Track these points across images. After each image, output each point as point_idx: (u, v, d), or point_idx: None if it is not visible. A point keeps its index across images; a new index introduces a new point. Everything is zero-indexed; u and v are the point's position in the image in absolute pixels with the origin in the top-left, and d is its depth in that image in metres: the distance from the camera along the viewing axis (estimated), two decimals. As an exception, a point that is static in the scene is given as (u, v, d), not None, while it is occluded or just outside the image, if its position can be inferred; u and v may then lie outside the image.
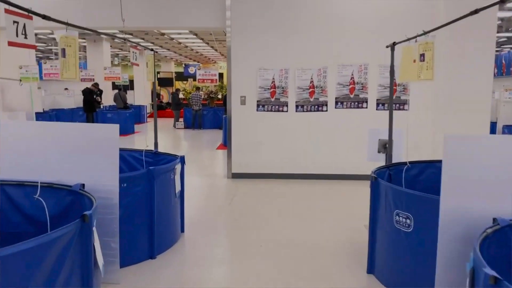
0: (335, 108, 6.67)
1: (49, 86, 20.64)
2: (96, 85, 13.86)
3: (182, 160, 4.19)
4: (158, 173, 3.57)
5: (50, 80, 21.22)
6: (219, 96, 18.09)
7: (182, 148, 11.56)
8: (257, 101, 6.71)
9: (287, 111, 6.70)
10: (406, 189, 2.95)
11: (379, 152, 4.32)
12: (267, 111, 6.71)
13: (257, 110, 6.72)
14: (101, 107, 14.61)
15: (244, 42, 6.66)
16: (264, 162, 6.80)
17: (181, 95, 19.52)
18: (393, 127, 4.23)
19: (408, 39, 3.48)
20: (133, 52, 4.58)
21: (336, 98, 6.66)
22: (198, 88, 15.51)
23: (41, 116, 11.74)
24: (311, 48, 6.61)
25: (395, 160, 4.07)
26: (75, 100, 16.47)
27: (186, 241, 4.12)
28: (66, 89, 16.88)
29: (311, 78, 6.64)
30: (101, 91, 15.70)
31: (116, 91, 16.59)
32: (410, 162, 3.87)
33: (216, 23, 7.19)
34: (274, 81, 6.65)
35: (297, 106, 6.69)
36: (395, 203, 2.99)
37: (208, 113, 15.69)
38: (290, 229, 4.44)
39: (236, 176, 6.81)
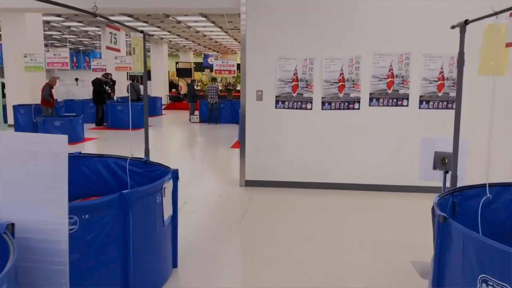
0: (370, 105, 5.59)
1: (64, 75, 20.09)
2: (106, 75, 13.07)
3: (175, 175, 3.22)
4: (135, 198, 2.61)
5: (65, 70, 20.68)
6: (238, 88, 17.09)
7: (194, 145, 10.65)
8: (276, 96, 5.68)
9: (311, 109, 5.65)
10: (506, 246, 1.88)
11: (435, 169, 3.25)
12: (288, 108, 5.68)
13: (276, 107, 5.70)
14: (114, 98, 13.82)
15: (261, 26, 5.63)
16: (283, 168, 5.79)
17: (197, 87, 18.63)
18: (448, 134, 3.15)
19: (495, 14, 2.38)
20: (110, 33, 3.61)
21: (370, 93, 5.57)
22: (214, 80, 14.55)
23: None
24: (342, 34, 5.52)
25: (459, 182, 3.00)
26: (89, 91, 15.80)
27: (178, 280, 3.17)
28: (76, 79, 16.21)
29: (341, 70, 5.56)
30: (113, 82, 14.95)
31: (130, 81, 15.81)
32: (476, 186, 2.81)
33: (229, 3, 6.17)
34: (296, 73, 5.60)
35: (323, 103, 5.63)
36: (482, 264, 1.94)
37: (225, 107, 14.73)
38: (317, 265, 3.43)
39: (251, 184, 5.83)
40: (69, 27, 19.07)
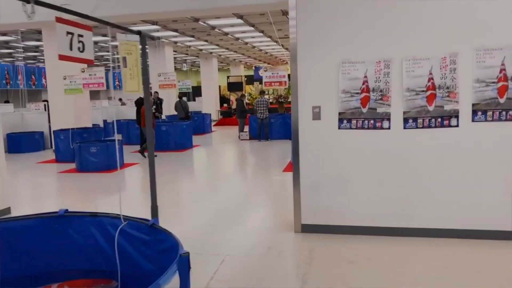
0: (473, 121, 4.01)
1: (116, 95, 19.90)
2: (150, 94, 12.31)
3: (185, 262, 1.94)
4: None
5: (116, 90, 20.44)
6: (289, 100, 15.78)
7: (240, 168, 9.40)
8: (340, 113, 4.27)
9: (388, 128, 4.17)
10: None
11: None
12: (356, 128, 4.25)
13: (339, 128, 4.29)
14: (161, 118, 13.02)
15: (316, 23, 4.27)
16: (352, 209, 4.34)
17: (247, 101, 17.55)
18: None
19: None
20: (69, 33, 2.41)
21: (474, 104, 4.00)
22: (263, 93, 13.34)
23: (84, 130, 10.36)
24: (429, 24, 4.02)
25: None
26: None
27: None
28: (120, 99, 15.75)
29: (430, 73, 4.05)
30: (160, 101, 14.24)
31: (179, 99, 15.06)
32: None
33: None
34: (366, 81, 4.17)
35: (406, 120, 4.13)
36: None
37: (277, 121, 13.45)
38: None
39: (309, 229, 4.43)
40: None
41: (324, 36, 4.25)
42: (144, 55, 3.08)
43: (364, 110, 4.21)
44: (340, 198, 4.36)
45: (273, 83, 14.19)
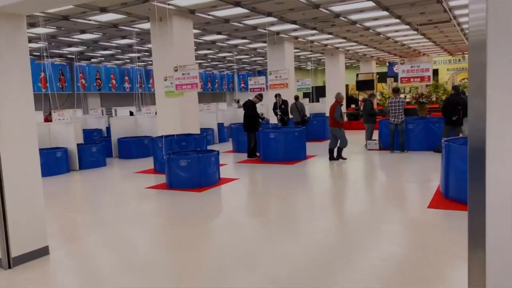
0: None
1: (243, 97, 19.06)
2: (260, 96, 10.70)
3: None
4: None
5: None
6: (433, 99, 12.55)
7: (360, 197, 6.99)
8: None
9: None
10: None
11: None
12: None
13: None
14: (266, 120, 11.31)
15: None
16: None
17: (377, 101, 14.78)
18: None
19: None
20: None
21: None
22: (397, 91, 10.62)
23: (184, 138, 9.17)
24: None
25: None
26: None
27: None
28: (236, 101, 14.54)
29: None
30: (285, 103, 12.49)
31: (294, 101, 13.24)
32: None
33: None
34: None
35: None
36: None
37: (416, 127, 10.57)
38: None
39: None
40: (236, 45, 17.90)
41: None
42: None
43: None
44: None
45: (412, 79, 11.32)
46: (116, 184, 8.60)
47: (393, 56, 25.83)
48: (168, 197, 7.03)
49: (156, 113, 11.64)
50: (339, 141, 9.56)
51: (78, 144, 10.16)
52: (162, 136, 8.76)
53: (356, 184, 7.66)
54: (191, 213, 5.90)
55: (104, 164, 10.58)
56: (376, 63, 28.08)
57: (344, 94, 22.11)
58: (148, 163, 9.72)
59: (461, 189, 5.42)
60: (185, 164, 7.12)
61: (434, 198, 5.83)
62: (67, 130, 10.06)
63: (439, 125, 10.41)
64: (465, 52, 25.06)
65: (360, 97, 26.28)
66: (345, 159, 9.36)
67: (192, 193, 6.90)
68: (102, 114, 19.04)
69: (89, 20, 11.11)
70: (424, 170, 8.23)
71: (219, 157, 7.86)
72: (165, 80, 9.09)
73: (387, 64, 27.94)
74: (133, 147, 11.63)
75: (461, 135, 9.75)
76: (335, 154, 9.64)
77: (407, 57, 25.75)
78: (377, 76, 26.25)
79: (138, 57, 18.92)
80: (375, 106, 12.16)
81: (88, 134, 13.97)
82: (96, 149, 10.39)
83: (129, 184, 8.41)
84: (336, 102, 9.51)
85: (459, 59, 26.15)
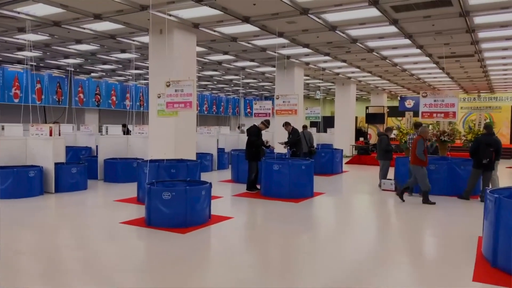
0: None
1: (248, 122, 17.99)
2: (266, 122, 9.56)
3: None
4: None
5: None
6: (457, 139, 11.36)
7: (375, 259, 5.70)
8: None
9: None
10: None
11: None
12: None
13: None
14: (271, 148, 10.06)
15: None
16: None
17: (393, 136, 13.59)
18: None
19: None
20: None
21: None
22: (419, 126, 9.44)
23: (175, 164, 7.96)
24: None
25: None
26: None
27: None
28: (239, 127, 13.42)
29: None
30: (294, 132, 11.11)
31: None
32: None
33: None
34: None
35: None
36: None
37: (439, 168, 9.33)
38: None
39: None
40: (243, 68, 16.97)
41: None
42: None
43: None
44: None
45: (435, 114, 10.18)
46: (88, 215, 7.35)
47: (406, 91, 24.88)
48: (142, 238, 5.78)
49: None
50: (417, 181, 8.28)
51: (56, 164, 9.00)
52: (147, 161, 7.58)
53: (370, 235, 6.38)
54: (163, 264, 4.65)
55: (85, 188, 9.38)
56: (388, 97, 27.11)
57: (353, 126, 21.11)
58: (133, 189, 8.52)
59: (517, 258, 4.16)
60: (169, 198, 5.90)
61: (477, 266, 4.56)
62: (46, 146, 8.92)
63: (465, 167, 9.18)
64: (481, 91, 24.06)
65: (370, 131, 25.21)
66: (434, 203, 8.01)
67: (173, 235, 5.65)
68: (99, 131, 17.97)
69: (83, 28, 10.18)
70: (454, 222, 6.96)
71: (213, 189, 6.65)
72: (159, 97, 8.03)
73: (399, 98, 26.95)
74: (120, 170, 10.45)
75: (490, 184, 8.52)
76: (405, 193, 8.40)
77: (420, 92, 24.80)
78: (388, 110, 25.23)
79: (140, 74, 17.99)
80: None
81: (76, 152, 12.85)
82: (77, 170, 9.20)
83: (102, 216, 7.16)
84: (420, 136, 8.25)
85: (474, 98, 25.15)
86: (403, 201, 8.19)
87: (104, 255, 5.02)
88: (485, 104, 24.77)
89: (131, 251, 5.16)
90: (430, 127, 11.49)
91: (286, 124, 10.93)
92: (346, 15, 8.75)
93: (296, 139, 10.82)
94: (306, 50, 12.47)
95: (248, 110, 31.64)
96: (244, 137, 11.08)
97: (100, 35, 10.84)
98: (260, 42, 11.63)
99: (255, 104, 10.69)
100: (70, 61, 15.59)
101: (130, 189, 8.91)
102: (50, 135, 8.80)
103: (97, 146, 11.68)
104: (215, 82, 22.59)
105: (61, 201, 8.19)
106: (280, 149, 11.46)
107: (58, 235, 5.93)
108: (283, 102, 9.40)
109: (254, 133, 9.24)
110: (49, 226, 6.51)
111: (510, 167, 14.44)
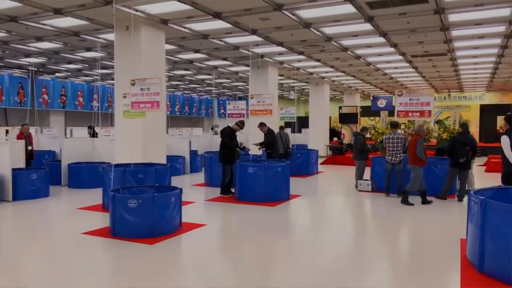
0: None
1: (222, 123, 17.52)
2: (241, 123, 9.18)
3: None
4: None
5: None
6: (432, 138, 11.28)
7: (358, 267, 5.43)
8: None
9: None
10: None
11: None
12: None
13: None
14: (246, 150, 9.70)
15: None
16: None
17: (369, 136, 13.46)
18: None
19: None
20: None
21: None
22: (395, 126, 9.33)
23: (141, 169, 7.47)
24: None
25: None
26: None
27: None
28: (212, 128, 13.00)
29: None
30: (270, 133, 10.78)
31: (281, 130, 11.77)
32: None
33: None
34: None
35: None
36: None
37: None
38: None
39: None
40: (215, 67, 16.53)
41: None
42: None
43: None
44: None
45: (410, 113, 10.09)
46: (48, 224, 6.77)
47: (379, 90, 25.05)
48: (106, 250, 5.30)
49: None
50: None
51: (14, 169, 8.33)
52: (112, 165, 7.07)
53: (349, 240, 6.10)
54: (129, 278, 4.21)
55: (47, 195, 8.74)
56: (360, 97, 27.25)
57: (327, 127, 21.03)
58: (99, 196, 7.97)
59: (505, 264, 3.95)
60: (135, 205, 5.44)
61: (463, 271, 4.34)
62: (1, 151, 8.24)
63: (441, 167, 9.09)
64: (451, 90, 24.48)
65: (343, 130, 25.23)
66: (412, 204, 7.74)
67: (140, 246, 5.20)
68: (65, 134, 17.08)
69: (44, 24, 9.52)
70: (434, 223, 6.79)
71: (185, 194, 6.22)
72: (124, 97, 7.53)
73: (371, 98, 27.13)
74: (85, 175, 9.83)
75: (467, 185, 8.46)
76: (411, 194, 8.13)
77: (392, 92, 24.98)
78: (360, 110, 25.34)
79: (108, 74, 17.25)
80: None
81: (38, 156, 12.04)
82: (37, 176, 8.56)
83: (63, 226, 6.61)
84: (418, 135, 8.01)
85: (445, 97, 25.60)
86: (412, 204, 7.91)
87: (63, 270, 4.52)
88: (455, 103, 25.25)
89: (93, 265, 4.67)
90: (403, 126, 11.39)
91: (262, 125, 10.62)
92: (321, 11, 8.50)
93: (271, 140, 10.54)
94: (280, 48, 12.18)
95: (222, 111, 31.15)
96: (218, 139, 10.64)
97: (62, 32, 10.18)
98: (232, 40, 11.25)
99: (229, 104, 10.32)
100: (32, 60, 14.75)
101: (96, 196, 8.34)
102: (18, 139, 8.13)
103: (61, 149, 11.01)
104: (187, 82, 22.02)
105: (19, 210, 7.56)
106: (255, 150, 11.13)
107: (12, 248, 5.36)
108: (258, 102, 9.08)
109: (228, 135, 8.85)
110: (3, 238, 5.91)
111: (481, 165, 14.62)
